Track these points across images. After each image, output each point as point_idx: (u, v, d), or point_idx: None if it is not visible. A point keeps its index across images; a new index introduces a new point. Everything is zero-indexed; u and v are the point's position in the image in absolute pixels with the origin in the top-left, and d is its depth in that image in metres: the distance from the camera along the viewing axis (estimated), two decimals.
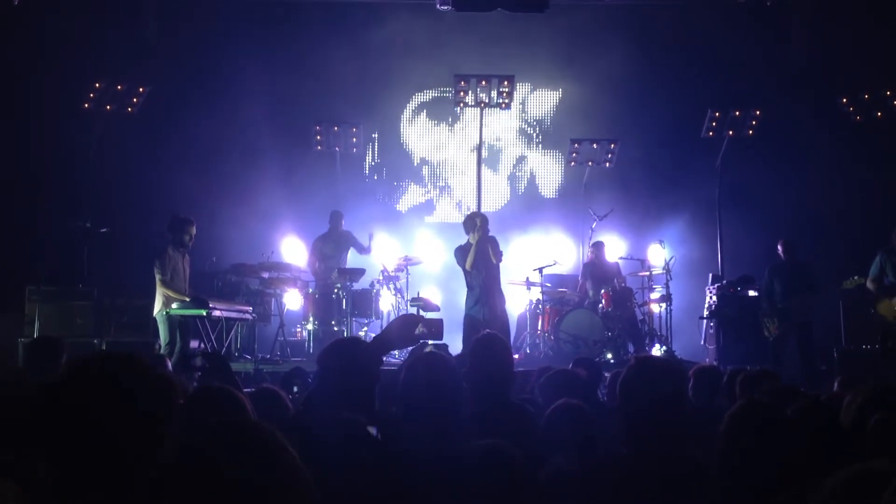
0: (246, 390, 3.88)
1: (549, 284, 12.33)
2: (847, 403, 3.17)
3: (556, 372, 5.10)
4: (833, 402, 3.46)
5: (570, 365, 6.03)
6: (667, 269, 12.11)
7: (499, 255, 10.59)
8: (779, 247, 10.98)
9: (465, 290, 10.75)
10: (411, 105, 14.80)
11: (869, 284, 10.58)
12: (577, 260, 13.91)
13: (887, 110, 12.81)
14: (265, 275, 11.68)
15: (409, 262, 12.23)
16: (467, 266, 10.50)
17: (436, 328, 3.88)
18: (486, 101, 13.08)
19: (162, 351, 9.34)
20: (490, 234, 10.66)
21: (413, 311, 10.94)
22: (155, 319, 9.81)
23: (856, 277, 10.62)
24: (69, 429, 1.75)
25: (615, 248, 13.42)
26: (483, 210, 12.39)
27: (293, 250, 13.00)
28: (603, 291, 11.81)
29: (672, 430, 2.94)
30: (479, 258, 10.43)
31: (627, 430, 3.01)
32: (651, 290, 12.50)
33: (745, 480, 2.70)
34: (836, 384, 5.51)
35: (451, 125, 14.95)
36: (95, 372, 1.85)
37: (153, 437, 1.83)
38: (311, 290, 11.82)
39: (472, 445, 2.63)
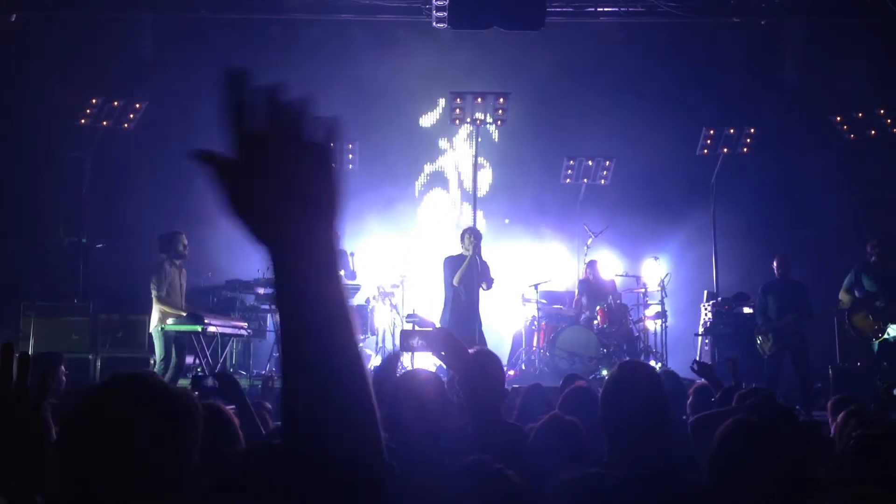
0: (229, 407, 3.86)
1: (544, 301, 12.34)
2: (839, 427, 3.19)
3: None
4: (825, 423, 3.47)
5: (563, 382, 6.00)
6: (662, 285, 12.14)
7: (489, 281, 10.47)
8: (774, 262, 11.02)
9: None
10: (408, 121, 14.84)
11: (841, 295, 10.64)
12: (573, 276, 13.92)
13: (881, 128, 12.87)
14: (260, 290, 11.67)
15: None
16: (455, 281, 10.42)
17: (435, 340, 3.86)
18: (482, 117, 13.12)
19: (157, 367, 9.32)
20: (484, 258, 10.61)
21: (408, 327, 10.94)
22: (151, 335, 9.80)
23: (845, 297, 10.67)
24: (98, 454, 1.73)
25: (611, 264, 13.43)
26: (479, 226, 12.40)
27: None
28: (598, 308, 11.81)
29: (654, 437, 2.93)
30: (470, 276, 10.36)
31: (609, 438, 3.01)
32: (646, 306, 12.52)
33: (734, 498, 2.71)
34: (829, 405, 5.51)
35: (449, 141, 15.01)
36: (121, 393, 1.83)
37: (180, 453, 1.82)
38: None
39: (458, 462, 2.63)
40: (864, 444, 2.87)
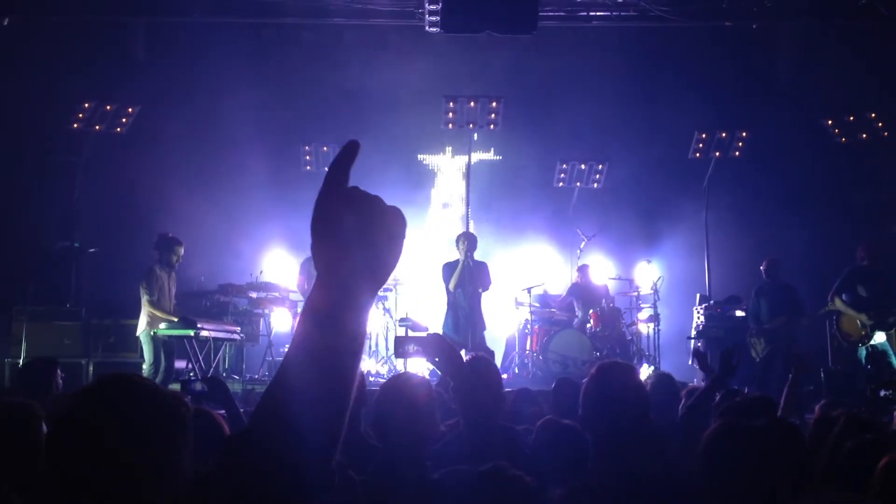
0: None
1: (537, 304, 12.34)
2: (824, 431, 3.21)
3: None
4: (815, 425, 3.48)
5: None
6: (655, 289, 12.16)
7: (486, 283, 10.45)
8: (762, 265, 11.06)
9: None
10: (401, 125, 14.82)
11: (830, 299, 10.66)
12: (566, 280, 13.93)
13: (872, 132, 12.93)
14: (253, 294, 11.66)
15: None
16: (451, 286, 10.43)
17: (430, 346, 3.86)
18: (475, 121, 13.13)
19: (146, 371, 9.27)
20: (480, 260, 10.62)
21: (401, 331, 10.94)
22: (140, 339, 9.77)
23: (836, 301, 10.70)
24: (85, 457, 1.70)
25: (604, 268, 13.45)
26: (472, 229, 12.41)
27: (281, 270, 12.99)
28: (591, 311, 11.83)
29: (638, 437, 2.93)
30: (465, 279, 10.36)
31: (593, 439, 3.02)
32: (639, 309, 12.54)
33: (724, 500, 2.71)
34: (817, 408, 5.50)
35: (441, 145, 15.00)
36: (109, 395, 1.79)
37: (170, 458, 1.78)
38: (300, 309, 11.78)
39: (472, 471, 2.63)
40: (855, 455, 2.88)
